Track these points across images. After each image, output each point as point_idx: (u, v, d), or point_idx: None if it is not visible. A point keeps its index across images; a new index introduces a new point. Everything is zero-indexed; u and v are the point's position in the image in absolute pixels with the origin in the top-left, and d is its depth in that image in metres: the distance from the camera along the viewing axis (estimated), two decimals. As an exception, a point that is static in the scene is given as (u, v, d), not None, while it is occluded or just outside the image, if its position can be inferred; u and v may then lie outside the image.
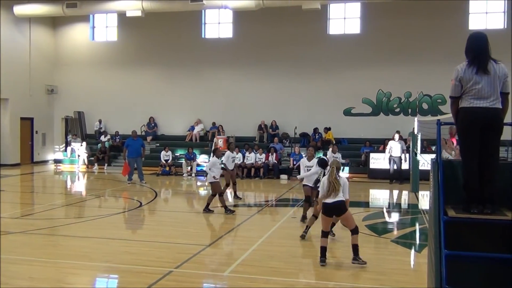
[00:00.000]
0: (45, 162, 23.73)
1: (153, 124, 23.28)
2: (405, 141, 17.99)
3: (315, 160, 9.65)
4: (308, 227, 8.43)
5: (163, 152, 20.01)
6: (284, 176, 18.40)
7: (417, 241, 8.80)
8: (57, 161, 22.87)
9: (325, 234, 6.89)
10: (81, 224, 9.65)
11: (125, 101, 23.52)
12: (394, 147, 16.56)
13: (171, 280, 6.19)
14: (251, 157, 19.05)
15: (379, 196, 14.90)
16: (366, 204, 12.93)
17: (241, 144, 19.56)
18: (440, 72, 18.47)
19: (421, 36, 20.25)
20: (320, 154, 20.17)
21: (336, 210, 6.75)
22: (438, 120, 4.63)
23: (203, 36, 23.10)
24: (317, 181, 8.85)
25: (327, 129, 20.61)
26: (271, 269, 6.64)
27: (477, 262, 4.12)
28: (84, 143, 22.26)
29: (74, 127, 24.24)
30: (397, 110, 21.05)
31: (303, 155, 19.22)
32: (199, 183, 17.40)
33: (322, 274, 6.51)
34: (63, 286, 6.00)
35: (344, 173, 11.55)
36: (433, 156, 5.85)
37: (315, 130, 20.73)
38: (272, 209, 12.16)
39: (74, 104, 24.00)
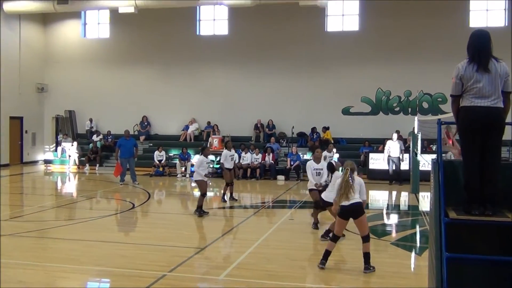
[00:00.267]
0: (35, 162, 23.64)
1: (146, 123, 23.24)
2: (405, 141, 18.03)
3: (324, 163, 9.52)
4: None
5: (156, 152, 19.97)
6: (281, 177, 18.41)
7: (418, 244, 8.82)
8: (47, 162, 22.79)
9: (335, 239, 6.81)
10: (72, 227, 9.62)
11: (118, 100, 23.47)
12: (392, 147, 16.59)
13: (164, 284, 6.17)
14: (247, 157, 19.05)
15: (379, 197, 14.93)
16: (365, 206, 12.92)
17: (237, 144, 19.51)
18: (441, 70, 18.52)
19: (421, 33, 20.31)
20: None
21: (353, 213, 6.65)
22: (439, 119, 4.64)
23: (197, 33, 23.07)
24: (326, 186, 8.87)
25: (326, 129, 20.63)
26: (267, 272, 6.64)
27: (478, 264, 4.13)
28: (75, 143, 22.18)
29: (65, 126, 24.16)
30: (397, 109, 21.10)
31: (301, 155, 19.41)
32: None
33: (320, 278, 6.52)
34: (53, 290, 5.96)
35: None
36: (434, 156, 5.87)
37: (313, 129, 20.75)
38: (269, 211, 12.16)
39: (65, 103, 23.92)
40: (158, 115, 23.34)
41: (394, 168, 16.73)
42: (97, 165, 21.27)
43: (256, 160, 18.98)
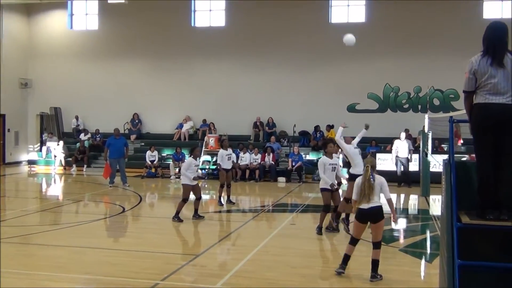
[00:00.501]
0: (18, 163, 23.62)
1: (137, 121, 23.22)
2: (415, 140, 18.04)
3: (336, 159, 9.51)
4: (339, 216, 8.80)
5: (148, 152, 19.97)
6: (282, 179, 18.42)
7: (428, 250, 8.83)
8: (31, 162, 22.77)
9: (354, 242, 6.79)
10: (57, 232, 9.61)
11: (107, 96, 23.45)
12: (401, 147, 16.61)
13: (157, 293, 6.17)
14: (246, 158, 19.05)
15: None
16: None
17: (234, 143, 19.53)
18: (453, 64, 18.51)
19: (432, 25, 20.31)
20: (322, 155, 20.20)
21: (371, 217, 6.59)
22: (451, 117, 4.64)
23: (192, 25, 23.06)
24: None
25: (330, 127, 20.64)
26: (267, 281, 6.64)
27: (492, 272, 4.13)
28: (61, 142, 22.17)
29: (50, 124, 24.13)
30: (406, 106, 21.12)
31: (303, 156, 19.41)
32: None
33: (323, 287, 6.51)
34: (38, 300, 5.96)
35: (346, 175, 11.68)
36: (445, 156, 5.88)
37: (316, 128, 20.76)
38: (269, 215, 12.16)
39: (50, 100, 23.89)
40: (150, 113, 23.32)
41: (402, 169, 16.74)
42: (85, 166, 21.25)
43: (255, 161, 18.98)
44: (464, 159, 14.73)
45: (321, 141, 20.24)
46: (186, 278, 6.87)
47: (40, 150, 23.27)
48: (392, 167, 17.00)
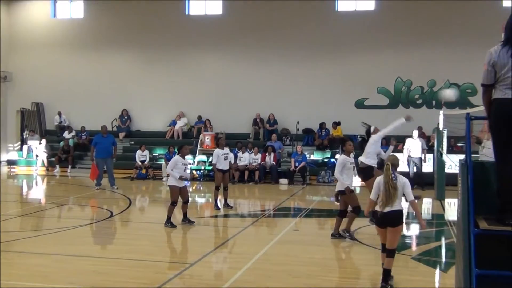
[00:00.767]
0: (-4, 163, 23.63)
1: (126, 118, 23.23)
2: (429, 139, 18.05)
3: (353, 159, 9.46)
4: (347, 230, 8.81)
5: (138, 152, 19.97)
6: (284, 181, 18.43)
7: (443, 259, 8.83)
8: (10, 163, 22.78)
9: (384, 248, 6.73)
10: (39, 239, 9.60)
11: (93, 91, 23.45)
12: (413, 146, 16.61)
13: (147, 305, 6.17)
14: (245, 158, 19.05)
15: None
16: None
17: (232, 142, 19.55)
18: (470, 56, 18.51)
19: (447, 13, 20.30)
20: (328, 154, 20.23)
21: (390, 222, 6.51)
22: (468, 113, 4.63)
23: (187, 13, 23.05)
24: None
25: (336, 124, 20.65)
26: (268, 292, 6.64)
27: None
28: (44, 141, 22.17)
29: (32, 121, 24.13)
30: (419, 101, 21.13)
31: (307, 155, 19.40)
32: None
33: (329, 298, 6.51)
34: (18, 313, 5.96)
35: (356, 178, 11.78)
36: (462, 156, 5.86)
37: (322, 125, 20.76)
38: (270, 220, 12.16)
39: (32, 94, 23.90)
40: (141, 108, 23.32)
41: (415, 170, 16.74)
42: (69, 166, 21.27)
43: (255, 161, 18.98)
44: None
45: (326, 140, 20.28)
46: (180, 288, 6.87)
47: (21, 149, 23.27)
48: (404, 168, 16.98)
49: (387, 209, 6.48)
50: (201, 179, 19.06)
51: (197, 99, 22.67)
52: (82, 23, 23.90)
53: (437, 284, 7.44)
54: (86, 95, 23.50)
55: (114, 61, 23.48)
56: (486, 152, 8.42)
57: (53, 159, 21.65)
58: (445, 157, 14.88)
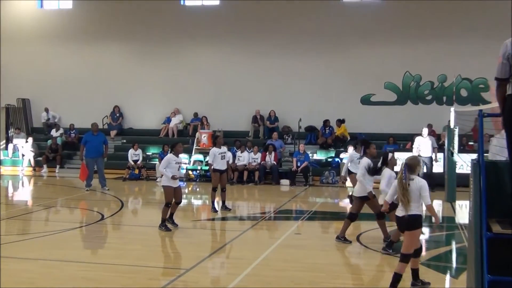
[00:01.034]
0: (-20, 163, 23.60)
1: (118, 115, 23.22)
2: (439, 137, 18.04)
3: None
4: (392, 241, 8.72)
5: (131, 151, 19.97)
6: (285, 181, 18.42)
7: (454, 264, 8.83)
8: (-5, 162, 22.77)
9: (414, 253, 6.80)
10: (26, 243, 9.61)
11: (83, 86, 23.45)
12: (423, 145, 16.62)
13: (140, 313, 6.18)
14: (244, 157, 19.05)
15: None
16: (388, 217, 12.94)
17: (230, 140, 19.55)
18: (483, 49, 18.53)
19: (459, 4, 20.28)
20: (332, 154, 20.24)
21: (406, 226, 6.63)
22: (480, 110, 4.64)
23: (182, 3, 23.04)
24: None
25: (340, 122, 20.65)
26: (268, 299, 6.64)
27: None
28: (30, 139, 22.16)
29: (17, 118, 24.12)
30: (429, 97, 21.12)
31: (310, 155, 19.40)
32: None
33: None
34: (3, 321, 5.97)
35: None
36: (474, 156, 5.86)
37: (325, 123, 20.76)
38: (270, 223, 12.16)
39: (18, 90, 23.89)
40: (133, 105, 23.32)
41: (425, 170, 16.72)
42: (57, 166, 21.25)
43: (255, 161, 18.98)
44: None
45: (330, 138, 20.29)
46: (174, 296, 6.88)
47: (6, 148, 23.24)
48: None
49: (402, 213, 6.59)
50: (198, 180, 19.07)
51: (193, 95, 22.67)
52: (71, 13, 23.88)
53: (447, 291, 7.45)
54: (75, 90, 23.49)
55: (105, 54, 23.46)
56: (492, 149, 8.41)
57: (40, 158, 21.63)
58: (456, 156, 14.87)
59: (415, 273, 6.85)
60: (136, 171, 19.51)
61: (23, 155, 21.88)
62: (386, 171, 8.91)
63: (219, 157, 12.55)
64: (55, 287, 7.02)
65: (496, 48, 4.58)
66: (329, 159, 19.98)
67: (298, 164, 18.59)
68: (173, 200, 10.63)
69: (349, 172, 12.97)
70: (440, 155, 16.77)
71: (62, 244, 9.61)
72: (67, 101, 23.62)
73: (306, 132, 21.31)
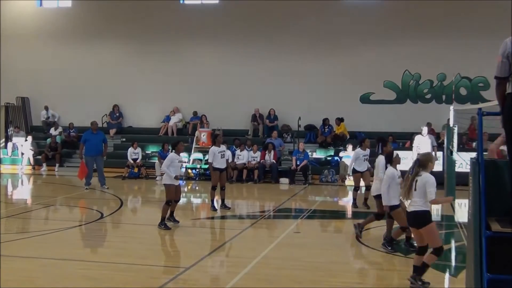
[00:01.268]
0: (-21, 162, 23.60)
1: (117, 114, 23.21)
2: (438, 135, 18.05)
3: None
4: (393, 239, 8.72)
5: (130, 149, 19.96)
6: (284, 180, 18.42)
7: (453, 263, 8.84)
8: (-5, 161, 22.76)
9: (420, 250, 6.89)
10: (25, 242, 9.61)
11: (82, 85, 23.42)
12: (422, 144, 16.62)
13: (140, 312, 6.18)
14: (243, 156, 19.04)
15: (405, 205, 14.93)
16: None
17: (230, 139, 19.54)
18: (483, 48, 18.52)
19: (458, 2, 20.25)
20: (331, 152, 20.24)
21: (412, 222, 6.77)
22: (480, 109, 4.63)
23: (181, 1, 23.01)
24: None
25: (339, 120, 20.65)
26: (267, 298, 6.65)
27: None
28: (30, 138, 22.15)
29: (17, 117, 24.10)
30: (428, 96, 21.12)
31: (309, 153, 19.38)
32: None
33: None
34: (2, 320, 5.97)
35: None
36: (473, 154, 5.86)
37: (325, 121, 20.76)
38: (270, 221, 12.17)
39: (17, 88, 23.87)
40: (133, 104, 23.30)
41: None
42: (57, 165, 21.25)
43: (254, 159, 18.98)
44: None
45: (329, 137, 20.28)
46: (174, 294, 6.88)
47: (5, 146, 23.23)
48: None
49: (410, 209, 6.71)
50: (197, 178, 19.06)
51: (193, 94, 22.65)
52: (70, 12, 23.86)
53: (446, 290, 7.46)
54: (74, 89, 23.47)
55: (104, 53, 23.45)
56: None
57: (39, 157, 21.63)
58: (456, 155, 14.88)
59: (416, 269, 6.87)
60: (136, 170, 19.50)
61: (22, 154, 21.88)
62: (390, 169, 8.90)
63: (219, 156, 12.56)
64: (55, 285, 7.03)
65: (495, 46, 4.58)
66: (329, 158, 19.99)
67: (298, 163, 18.58)
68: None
69: (354, 171, 12.97)
70: (440, 154, 16.78)
71: (61, 242, 9.61)
72: (67, 99, 23.60)
73: (305, 131, 21.32)
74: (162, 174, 19.01)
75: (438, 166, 16.80)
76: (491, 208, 4.22)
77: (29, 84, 23.90)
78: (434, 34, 20.59)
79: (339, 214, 13.42)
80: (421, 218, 6.64)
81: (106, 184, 16.34)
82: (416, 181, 6.59)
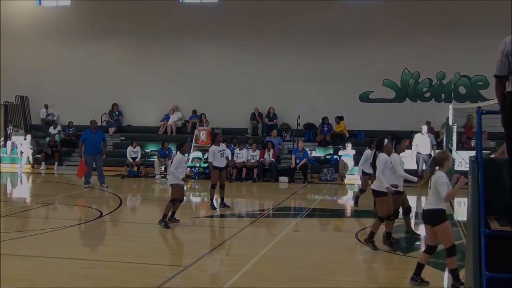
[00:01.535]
0: (-22, 160, 23.59)
1: (117, 113, 23.20)
2: (438, 134, 18.06)
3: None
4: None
5: (129, 148, 19.95)
6: (284, 179, 18.43)
7: (452, 261, 8.84)
8: (-6, 160, 22.75)
9: (428, 249, 6.94)
10: (25, 240, 9.60)
11: (81, 83, 23.41)
12: (422, 142, 16.67)
13: (139, 310, 6.18)
14: (242, 155, 19.05)
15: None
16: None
17: (229, 137, 19.55)
18: (482, 47, 18.51)
19: (458, 2, 20.22)
20: (330, 151, 20.24)
21: (426, 220, 6.82)
22: (479, 107, 4.64)
23: (181, 0, 22.99)
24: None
25: (339, 119, 20.66)
26: (267, 296, 6.66)
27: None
28: (29, 137, 22.14)
29: (16, 116, 24.08)
30: (427, 95, 21.12)
31: (308, 152, 19.40)
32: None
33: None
34: (2, 318, 5.97)
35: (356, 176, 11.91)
36: (472, 153, 5.88)
37: (324, 120, 20.76)
38: (269, 220, 12.17)
39: (16, 87, 23.84)
40: (132, 102, 23.30)
41: (424, 167, 16.77)
42: (56, 163, 21.24)
43: (253, 158, 18.98)
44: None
45: (328, 135, 20.28)
46: (173, 293, 6.88)
47: (4, 145, 23.22)
48: (413, 165, 17.02)
49: (425, 206, 6.75)
50: (196, 177, 19.05)
51: (192, 92, 22.64)
52: (69, 11, 23.83)
53: (446, 288, 7.47)
54: (73, 88, 23.44)
55: (104, 51, 23.43)
56: None
57: (38, 155, 21.61)
58: (455, 153, 14.90)
59: (419, 268, 6.91)
60: (135, 169, 19.49)
61: (21, 153, 21.86)
62: (382, 156, 8.91)
63: (219, 155, 12.58)
64: (54, 284, 7.03)
65: (495, 45, 4.58)
66: (328, 156, 19.98)
67: (297, 161, 18.58)
68: None
69: (363, 173, 12.66)
70: (437, 152, 16.79)
71: (61, 241, 9.61)
72: (66, 98, 23.57)
73: (304, 129, 21.31)
74: (161, 173, 19.14)
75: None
76: (490, 206, 4.23)
77: (29, 82, 23.87)
78: (434, 33, 20.58)
79: (338, 213, 13.42)
80: (436, 216, 6.67)
81: (105, 183, 16.34)
82: (431, 180, 6.65)
